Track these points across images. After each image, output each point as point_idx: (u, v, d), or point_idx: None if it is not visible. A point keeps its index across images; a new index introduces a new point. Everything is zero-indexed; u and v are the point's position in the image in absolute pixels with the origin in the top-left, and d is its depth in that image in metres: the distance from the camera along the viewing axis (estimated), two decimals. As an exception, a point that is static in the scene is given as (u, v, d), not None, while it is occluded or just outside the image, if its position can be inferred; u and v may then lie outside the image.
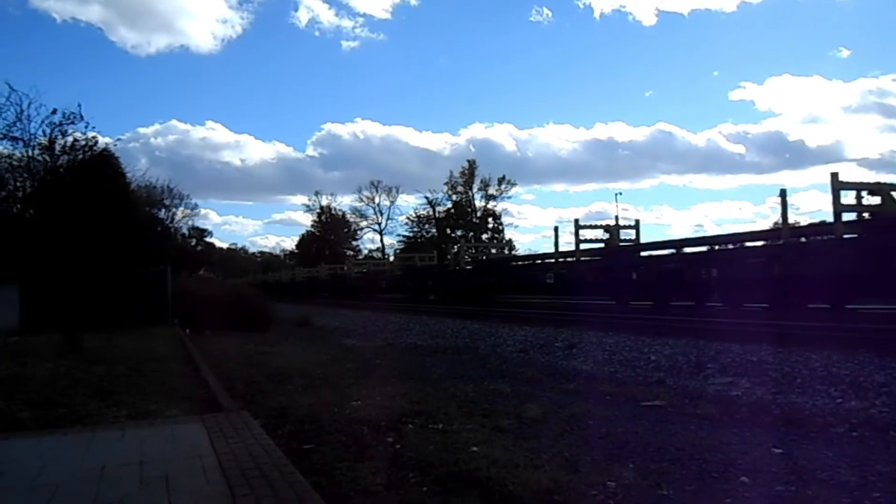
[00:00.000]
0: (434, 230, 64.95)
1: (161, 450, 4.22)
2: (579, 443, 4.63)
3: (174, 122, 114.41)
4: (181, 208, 47.50)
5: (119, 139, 32.77)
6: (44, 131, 17.94)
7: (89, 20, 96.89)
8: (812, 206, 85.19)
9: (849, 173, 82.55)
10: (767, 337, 9.16)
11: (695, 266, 14.69)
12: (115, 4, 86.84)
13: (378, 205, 69.09)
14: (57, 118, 17.77)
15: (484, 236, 61.44)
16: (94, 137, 18.45)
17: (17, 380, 7.19)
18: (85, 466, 3.88)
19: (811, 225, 13.16)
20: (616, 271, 16.74)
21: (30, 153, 18.24)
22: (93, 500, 3.30)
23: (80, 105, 18.08)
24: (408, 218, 68.06)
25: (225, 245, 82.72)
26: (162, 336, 13.20)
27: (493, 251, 32.09)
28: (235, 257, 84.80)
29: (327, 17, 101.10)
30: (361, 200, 69.27)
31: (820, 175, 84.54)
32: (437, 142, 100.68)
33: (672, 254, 15.99)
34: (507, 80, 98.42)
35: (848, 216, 11.78)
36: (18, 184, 18.69)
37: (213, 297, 17.55)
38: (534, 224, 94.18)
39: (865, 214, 12.22)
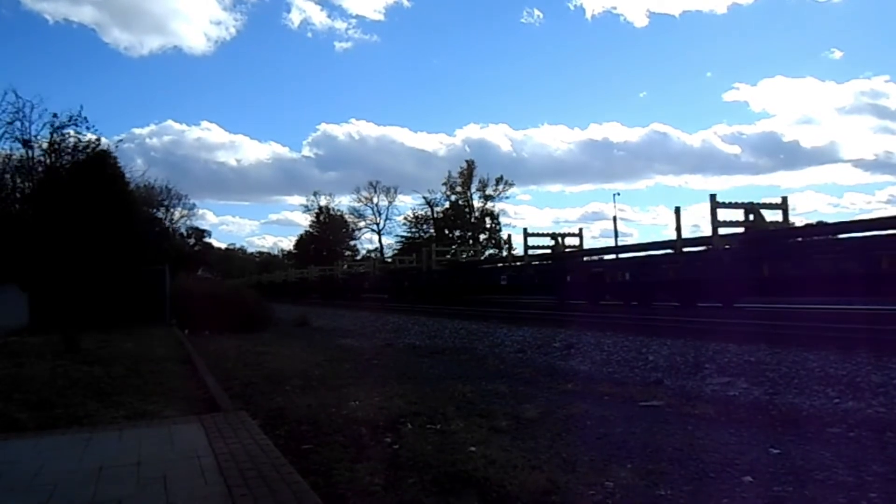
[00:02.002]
0: (432, 230, 64.94)
1: (159, 450, 4.22)
2: (577, 443, 4.64)
3: (169, 122, 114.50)
4: (179, 209, 47.54)
5: (120, 141, 32.76)
6: (47, 134, 18.00)
7: (82, 21, 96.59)
8: (808, 207, 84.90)
9: (844, 175, 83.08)
10: (765, 337, 9.17)
11: (612, 270, 17.42)
12: (107, 5, 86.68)
13: (376, 205, 69.13)
14: (57, 121, 17.84)
15: (482, 237, 61.47)
16: (97, 140, 18.52)
17: (15, 380, 7.19)
18: (83, 467, 3.88)
19: (698, 238, 15.14)
20: (555, 274, 19.32)
21: (29, 154, 18.27)
22: (90, 501, 3.30)
23: (81, 107, 18.18)
24: (405, 218, 68.12)
25: (223, 245, 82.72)
26: (160, 336, 13.20)
27: (466, 255, 33.86)
28: (233, 257, 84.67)
29: (319, 18, 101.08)
30: (360, 201, 69.29)
31: (816, 176, 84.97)
32: (433, 142, 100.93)
33: (597, 259, 19.14)
34: (500, 81, 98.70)
35: (727, 230, 13.95)
36: (18, 184, 18.69)
37: (211, 297, 17.53)
38: (531, 224, 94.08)
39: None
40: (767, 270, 12.28)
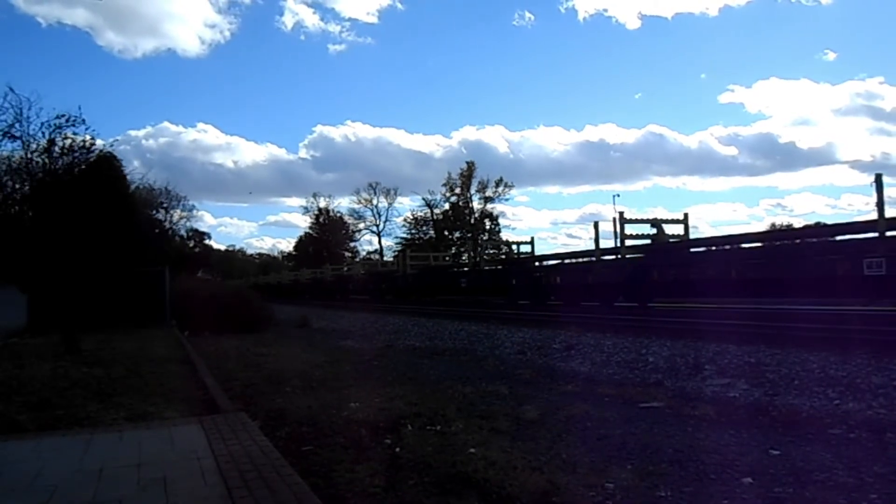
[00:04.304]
0: (432, 232, 64.89)
1: (159, 451, 4.23)
2: (577, 444, 4.64)
3: (166, 124, 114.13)
4: (178, 210, 47.47)
5: (115, 141, 32.91)
6: (43, 133, 17.99)
7: (75, 24, 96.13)
8: (806, 209, 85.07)
9: (842, 176, 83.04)
10: (765, 338, 9.18)
11: (548, 275, 19.75)
12: (101, 8, 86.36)
13: (376, 207, 69.06)
14: (56, 121, 17.83)
15: (481, 238, 61.42)
16: (92, 141, 18.51)
17: (15, 381, 7.18)
18: (83, 468, 3.89)
19: (611, 248, 16.97)
20: (504, 277, 21.96)
21: (28, 155, 18.26)
22: (91, 502, 3.30)
23: (80, 108, 18.19)
24: (405, 220, 68.06)
25: (223, 247, 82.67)
26: (160, 337, 13.19)
27: (439, 259, 35.92)
28: (233, 259, 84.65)
29: (312, 21, 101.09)
30: (359, 202, 69.21)
31: (813, 177, 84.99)
32: (429, 144, 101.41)
33: (537, 265, 21.62)
34: (495, 83, 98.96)
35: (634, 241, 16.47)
36: (17, 185, 18.68)
37: (211, 298, 17.52)
38: (529, 226, 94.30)
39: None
40: (657, 276, 14.77)
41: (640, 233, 16.78)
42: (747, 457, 4.24)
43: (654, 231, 16.32)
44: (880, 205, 10.49)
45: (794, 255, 12.16)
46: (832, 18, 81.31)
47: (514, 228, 66.80)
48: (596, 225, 17.60)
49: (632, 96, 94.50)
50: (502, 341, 12.15)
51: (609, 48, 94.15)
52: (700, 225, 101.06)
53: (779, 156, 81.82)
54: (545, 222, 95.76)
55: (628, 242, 16.03)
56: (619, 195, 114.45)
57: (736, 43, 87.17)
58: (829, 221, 12.88)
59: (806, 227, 13.33)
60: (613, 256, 16.64)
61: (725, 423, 5.36)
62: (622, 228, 15.89)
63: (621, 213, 16.25)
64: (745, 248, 13.67)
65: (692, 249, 15.38)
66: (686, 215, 16.79)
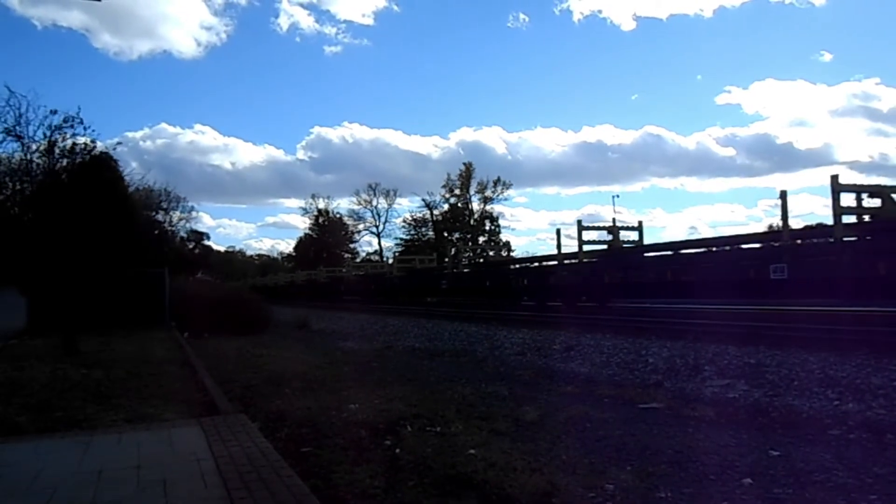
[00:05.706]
0: (431, 233, 64.85)
1: (158, 453, 4.22)
2: (577, 445, 4.64)
3: (163, 125, 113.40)
4: (178, 211, 47.39)
5: (118, 143, 33.13)
6: (44, 133, 18.00)
7: (71, 26, 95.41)
8: (804, 209, 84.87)
9: (839, 177, 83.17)
10: (765, 339, 9.18)
11: (515, 277, 21.56)
12: (96, 10, 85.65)
13: (375, 208, 69.00)
14: (56, 121, 17.85)
15: (481, 239, 61.39)
16: (93, 142, 18.52)
17: (14, 383, 7.18)
18: (82, 470, 3.88)
19: (573, 253, 17.87)
20: (479, 279, 23.52)
21: (28, 156, 18.26)
22: (90, 503, 3.30)
23: (79, 108, 18.21)
24: (404, 221, 68.00)
25: (222, 248, 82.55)
26: (159, 339, 13.18)
27: (429, 262, 36.56)
28: (233, 260, 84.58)
29: (307, 23, 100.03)
30: (359, 203, 69.12)
31: (811, 178, 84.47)
32: (427, 145, 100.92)
33: (507, 268, 23.50)
34: (492, 84, 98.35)
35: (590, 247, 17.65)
36: (17, 187, 18.68)
37: (210, 299, 17.51)
38: (528, 227, 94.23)
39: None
40: (608, 279, 16.02)
41: (611, 239, 18.00)
42: (747, 458, 4.24)
43: (610, 237, 17.49)
44: (784, 218, 11.65)
45: (716, 260, 13.80)
46: (827, 20, 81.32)
47: (513, 229, 67.10)
48: (558, 232, 20.79)
49: (628, 97, 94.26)
50: (501, 342, 12.15)
51: (605, 49, 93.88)
52: (699, 226, 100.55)
53: (777, 157, 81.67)
54: (544, 223, 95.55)
55: (586, 248, 17.41)
56: (618, 196, 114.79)
57: (731, 44, 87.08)
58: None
59: (721, 237, 15.19)
60: (574, 261, 17.69)
61: (725, 423, 5.36)
62: (580, 234, 17.36)
63: (579, 222, 17.76)
64: (677, 255, 14.94)
65: (641, 255, 16.70)
66: (640, 223, 18.20)
